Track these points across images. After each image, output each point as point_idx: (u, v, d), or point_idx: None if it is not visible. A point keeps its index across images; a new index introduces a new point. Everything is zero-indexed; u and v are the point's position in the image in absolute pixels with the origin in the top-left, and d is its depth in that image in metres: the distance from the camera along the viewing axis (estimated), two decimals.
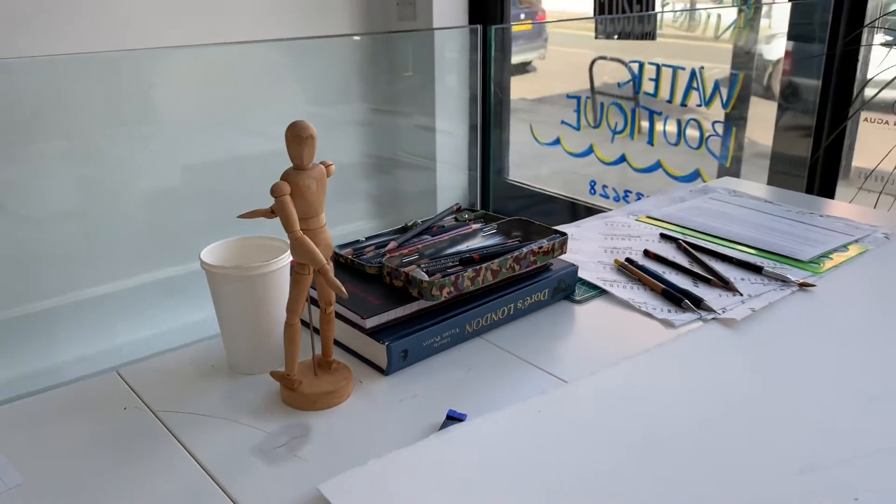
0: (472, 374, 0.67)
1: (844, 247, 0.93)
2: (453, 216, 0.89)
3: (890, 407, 0.61)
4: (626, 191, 2.20)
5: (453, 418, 0.59)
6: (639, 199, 2.19)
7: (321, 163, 0.58)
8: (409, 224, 0.85)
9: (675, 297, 0.79)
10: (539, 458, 0.55)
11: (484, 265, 0.72)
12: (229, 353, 0.68)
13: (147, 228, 1.82)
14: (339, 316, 0.69)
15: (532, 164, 2.48)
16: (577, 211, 2.29)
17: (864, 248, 0.93)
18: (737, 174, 1.91)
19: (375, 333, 0.67)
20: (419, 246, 0.79)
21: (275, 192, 0.54)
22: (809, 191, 1.73)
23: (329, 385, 0.62)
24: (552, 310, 0.79)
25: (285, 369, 0.61)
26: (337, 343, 0.71)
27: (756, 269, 0.86)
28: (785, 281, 0.83)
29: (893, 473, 0.53)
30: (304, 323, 0.64)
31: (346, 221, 2.22)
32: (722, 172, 1.92)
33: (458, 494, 0.51)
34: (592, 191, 2.29)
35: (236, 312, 0.65)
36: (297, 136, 0.54)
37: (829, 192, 1.73)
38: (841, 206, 1.11)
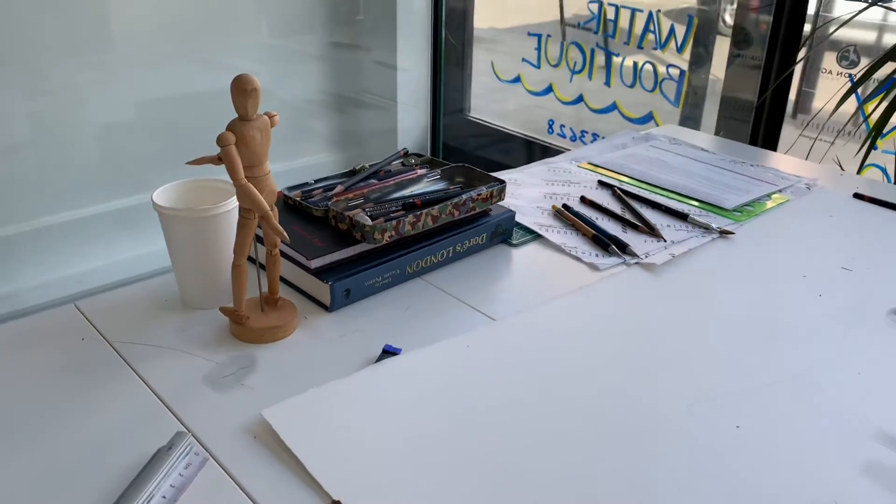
0: (409, 313, 0.72)
1: (768, 196, 1.00)
2: (400, 161, 0.93)
3: (782, 347, 0.68)
4: (582, 131, 2.25)
5: (389, 352, 0.65)
6: (594, 139, 2.24)
7: (265, 113, 0.61)
8: (357, 168, 0.89)
9: (604, 243, 0.85)
10: (465, 390, 0.61)
11: (425, 211, 0.76)
12: (181, 289, 0.72)
13: (103, 160, 1.82)
14: (286, 256, 0.73)
15: (499, 98, 2.49)
16: (534, 150, 2.34)
17: (785, 197, 1.00)
18: (694, 117, 1.96)
19: (320, 273, 0.71)
20: (365, 190, 0.83)
21: (220, 141, 0.58)
22: (755, 135, 1.78)
23: (275, 320, 0.67)
24: (489, 253, 0.84)
25: (233, 305, 0.66)
26: (285, 281, 0.75)
27: (682, 217, 0.92)
28: (707, 228, 0.89)
29: (772, 405, 0.60)
30: (252, 261, 0.68)
31: (306, 155, 2.23)
32: (676, 116, 1.97)
33: (389, 422, 0.57)
34: (550, 130, 2.33)
35: (187, 252, 0.69)
36: (242, 90, 0.58)
37: (774, 138, 1.79)
38: (774, 156, 1.17)
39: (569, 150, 1.18)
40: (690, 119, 2.00)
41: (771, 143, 1.77)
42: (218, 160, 0.60)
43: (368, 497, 0.50)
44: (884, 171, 1.75)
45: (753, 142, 1.78)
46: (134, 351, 0.66)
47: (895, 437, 0.57)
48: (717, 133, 1.88)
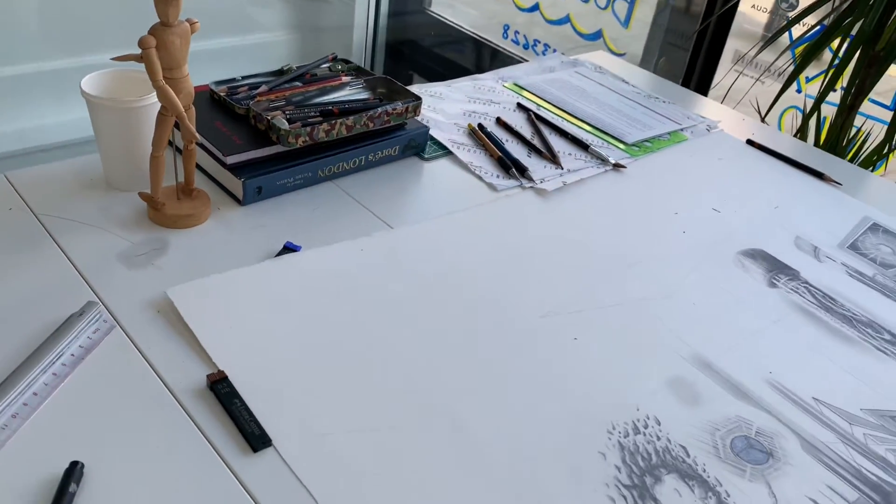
0: (315, 214, 0.80)
1: (668, 134, 1.08)
2: (328, 65, 0.98)
3: (635, 274, 0.78)
4: (535, 40, 2.28)
5: (289, 248, 0.73)
6: (544, 51, 2.27)
7: (187, 20, 0.66)
8: (285, 68, 0.94)
9: (506, 165, 0.93)
10: (354, 288, 0.70)
11: (340, 120, 0.83)
12: (106, 171, 0.78)
13: (44, 18, 1.79)
14: (206, 150, 0.79)
15: None
16: (484, 55, 2.36)
17: (684, 137, 1.08)
18: (639, 41, 2.01)
19: (235, 169, 0.78)
20: (288, 92, 0.89)
21: (141, 44, 0.63)
22: (692, 66, 1.85)
23: (188, 209, 0.74)
24: (401, 164, 0.91)
25: (151, 192, 0.73)
26: (204, 172, 0.82)
27: (584, 147, 1.00)
28: (603, 160, 0.98)
29: (608, 323, 0.71)
30: (179, 150, 0.74)
31: (261, 31, 2.22)
32: (626, 37, 2.01)
33: (280, 311, 0.66)
34: (505, 35, 2.35)
35: (112, 138, 0.74)
36: None
37: (711, 69, 1.86)
38: (689, 95, 1.24)
39: (521, 58, 1.23)
40: (637, 42, 2.05)
41: (708, 75, 1.84)
42: (140, 58, 0.65)
43: (251, 373, 0.59)
44: (801, 110, 1.84)
45: (690, 72, 1.85)
46: (57, 224, 0.72)
47: (704, 360, 0.68)
48: (658, 60, 1.94)
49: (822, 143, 1.52)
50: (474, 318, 0.69)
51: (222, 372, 0.58)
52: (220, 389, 0.56)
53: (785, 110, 1.98)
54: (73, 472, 0.48)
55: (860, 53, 1.34)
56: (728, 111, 1.21)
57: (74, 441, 0.52)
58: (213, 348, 0.60)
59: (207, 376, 0.57)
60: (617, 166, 0.97)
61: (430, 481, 0.53)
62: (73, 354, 0.58)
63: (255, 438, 0.53)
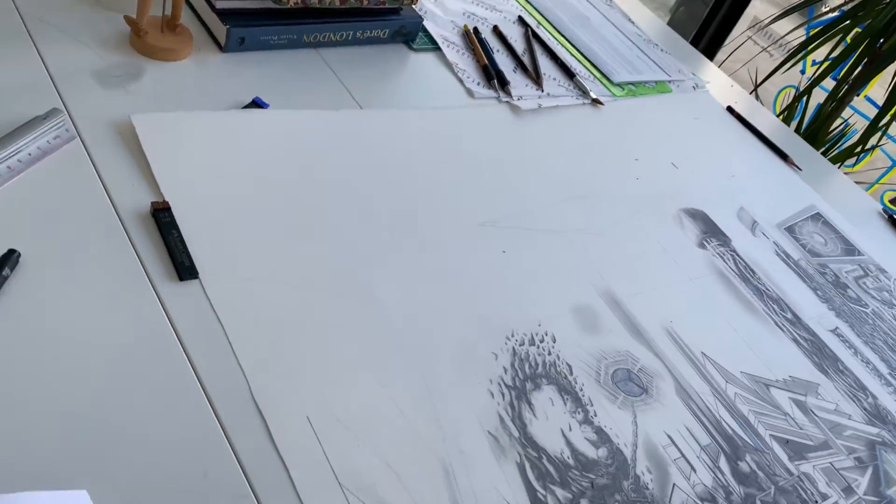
0: (291, 76, 0.82)
1: (654, 82, 1.10)
2: None
3: (577, 205, 0.82)
4: None
5: (257, 104, 0.75)
6: None
7: None
8: None
9: (490, 74, 0.94)
10: (308, 154, 0.73)
11: None
12: None
13: None
14: None
15: None
16: None
17: (669, 89, 1.10)
18: None
19: (223, 15, 0.79)
20: None
21: None
22: (707, 23, 1.84)
23: (170, 43, 0.76)
24: (388, 49, 0.93)
25: (136, 17, 0.74)
26: (192, 9, 0.83)
27: (570, 75, 1.02)
28: (584, 92, 1.00)
29: (536, 243, 0.75)
30: None
31: None
32: None
33: (234, 158, 0.69)
34: None
35: None
36: None
37: (727, 28, 1.85)
38: (688, 50, 1.25)
39: None
40: None
41: (720, 35, 1.84)
42: None
43: (194, 209, 0.63)
44: (796, 88, 1.86)
45: (704, 28, 1.84)
46: (39, 28, 0.73)
47: (614, 297, 0.73)
48: (677, 8, 1.92)
49: (804, 127, 1.54)
50: (414, 210, 0.73)
51: (167, 202, 0.61)
52: (162, 218, 0.60)
53: (783, 88, 1.99)
54: (10, 258, 0.52)
55: (864, 47, 1.35)
56: (721, 75, 1.23)
57: (16, 232, 0.55)
58: (163, 178, 0.64)
59: (152, 203, 0.61)
60: (595, 101, 1.00)
61: (337, 341, 0.58)
62: (29, 154, 0.61)
63: (184, 269, 0.58)
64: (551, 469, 0.57)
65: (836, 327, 0.82)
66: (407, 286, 0.65)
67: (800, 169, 1.05)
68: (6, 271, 0.52)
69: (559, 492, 0.55)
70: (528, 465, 0.56)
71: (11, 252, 0.53)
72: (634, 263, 0.78)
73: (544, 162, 0.86)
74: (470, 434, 0.56)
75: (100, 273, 0.56)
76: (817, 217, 0.98)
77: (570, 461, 0.58)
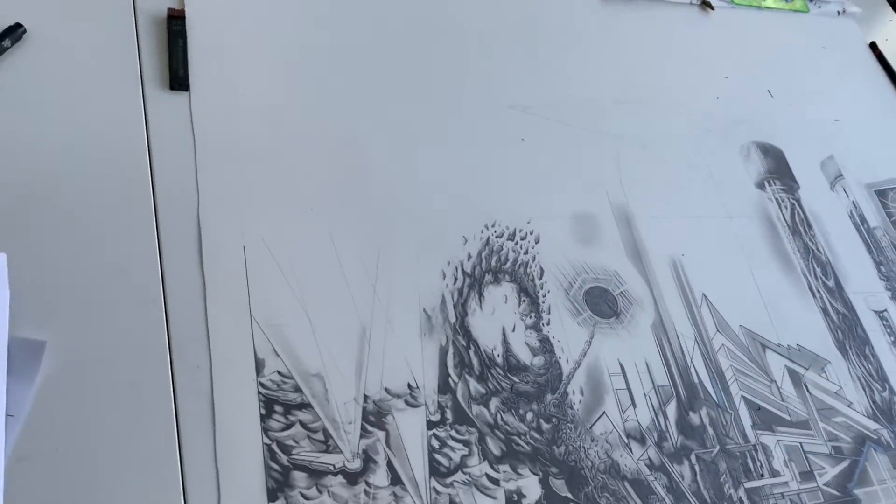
0: None
1: None
2: None
3: (633, 109, 0.75)
4: None
5: None
6: None
7: None
8: None
9: None
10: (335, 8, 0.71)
11: None
12: None
13: None
14: None
15: None
16: None
17: (806, 9, 0.96)
18: None
19: None
20: None
21: None
22: None
23: None
24: None
25: None
26: None
27: None
28: None
29: (565, 139, 0.70)
30: None
31: None
32: None
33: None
34: None
35: None
36: None
37: None
38: None
39: None
40: None
41: None
42: None
43: (210, 20, 0.63)
44: None
45: None
46: None
47: (627, 212, 0.68)
48: None
49: None
50: (441, 72, 0.69)
51: (183, 10, 0.62)
52: (174, 26, 0.61)
53: None
54: (14, 31, 0.55)
55: None
56: (885, 7, 1.05)
57: (30, 9, 0.58)
58: None
59: (168, 9, 0.62)
60: (705, 4, 0.89)
61: (304, 186, 0.58)
62: None
63: (177, 79, 0.59)
64: (475, 361, 0.56)
65: (885, 309, 0.73)
66: (401, 148, 0.63)
67: None
68: (6, 42, 0.55)
69: (473, 384, 0.54)
70: (451, 351, 0.55)
71: (17, 26, 0.56)
72: (669, 185, 0.72)
73: (613, 56, 0.79)
74: (403, 307, 0.56)
75: (97, 65, 0.58)
76: None
77: (499, 360, 0.56)
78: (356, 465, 0.48)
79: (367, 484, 0.48)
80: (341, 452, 0.49)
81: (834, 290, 0.72)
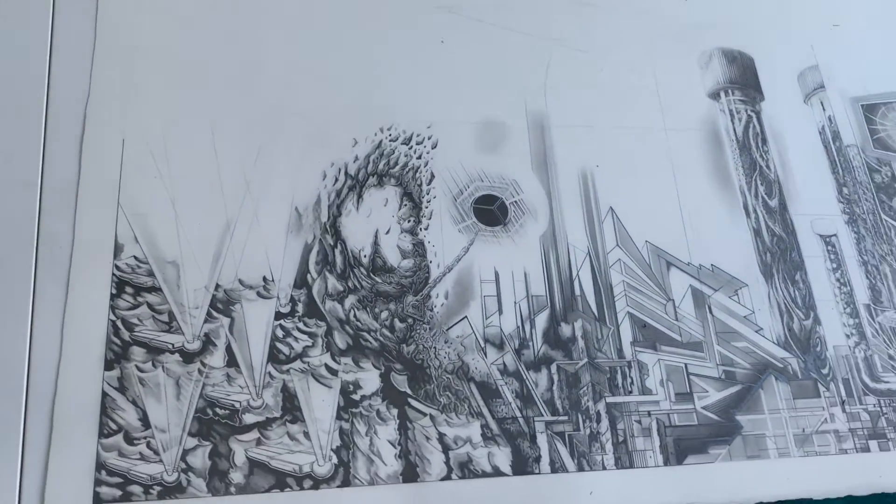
0: None
1: None
2: None
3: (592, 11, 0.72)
4: None
5: None
6: None
7: None
8: None
9: None
10: None
11: None
12: None
13: None
14: None
15: None
16: None
17: None
18: None
19: None
20: None
21: None
22: None
23: None
24: None
25: None
26: None
27: None
28: None
29: (485, 35, 0.68)
30: None
31: None
32: None
33: None
34: None
35: None
36: None
37: None
38: None
39: None
40: None
41: None
42: None
43: None
44: None
45: None
46: None
47: (545, 122, 0.66)
48: None
49: None
50: None
51: None
52: None
53: None
54: None
55: None
56: None
57: None
58: None
59: None
60: None
61: (196, 74, 0.61)
62: None
63: None
64: (339, 260, 0.57)
65: (835, 234, 0.67)
66: (306, 44, 0.64)
67: None
68: None
69: (331, 280, 0.57)
70: (316, 248, 0.57)
71: None
72: (601, 93, 0.69)
73: None
74: (274, 203, 0.58)
75: None
76: None
77: (365, 260, 0.58)
78: (195, 346, 0.52)
79: (203, 364, 0.52)
80: (182, 334, 0.53)
81: (775, 210, 0.67)
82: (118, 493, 0.48)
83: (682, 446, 0.56)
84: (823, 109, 0.73)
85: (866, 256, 0.66)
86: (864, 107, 0.74)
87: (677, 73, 0.71)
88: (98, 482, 0.48)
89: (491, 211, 0.61)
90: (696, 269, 0.63)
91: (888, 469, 0.58)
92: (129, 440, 0.49)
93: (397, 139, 0.62)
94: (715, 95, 0.71)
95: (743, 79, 0.72)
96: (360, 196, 0.60)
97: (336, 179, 0.60)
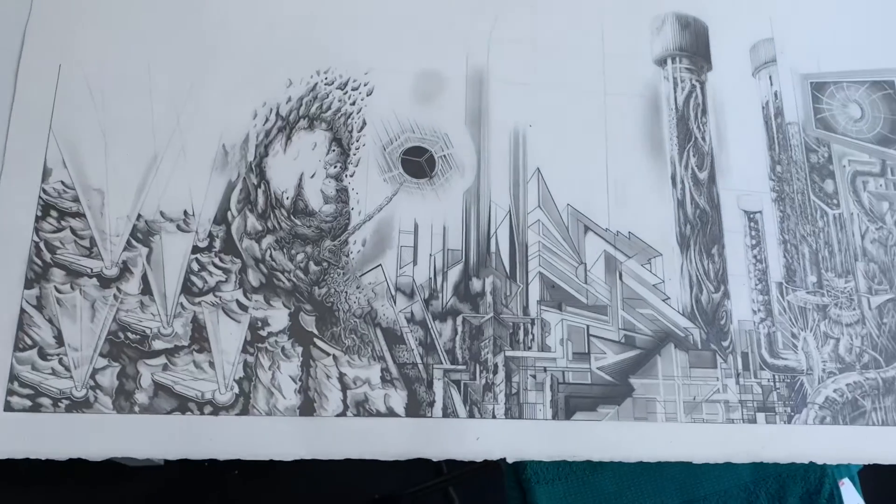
0: None
1: None
2: None
3: None
4: None
5: None
6: None
7: None
8: None
9: None
10: None
11: None
12: None
13: None
14: None
15: None
16: None
17: None
18: None
19: None
20: None
21: None
22: None
23: None
24: None
25: None
26: None
27: None
28: None
29: None
30: None
31: None
32: None
33: None
34: None
35: None
36: None
37: None
38: None
39: None
40: None
41: None
42: None
43: None
44: None
45: None
46: None
47: (484, 76, 0.67)
48: None
49: None
50: None
51: None
52: None
53: None
54: None
55: None
56: None
57: None
58: None
59: None
60: None
61: (135, 10, 0.62)
62: None
63: None
64: (261, 200, 0.59)
65: (759, 211, 0.68)
66: None
67: None
68: None
69: (251, 220, 0.59)
70: (239, 186, 0.59)
71: None
72: (544, 50, 0.69)
73: None
74: (202, 139, 0.60)
75: None
76: (882, 87, 0.76)
77: (286, 202, 0.60)
78: (113, 272, 0.55)
79: (118, 289, 0.55)
80: (102, 260, 0.55)
81: (703, 183, 0.68)
82: (28, 403, 0.52)
83: (573, 403, 0.59)
84: (771, 84, 0.73)
85: (787, 235, 0.68)
86: (814, 84, 0.74)
87: (626, 36, 0.71)
88: (10, 392, 0.52)
89: (419, 163, 0.63)
90: (614, 235, 0.65)
91: (770, 441, 0.61)
92: (43, 356, 0.53)
93: (333, 83, 0.64)
94: (661, 62, 0.71)
95: (693, 47, 0.72)
96: (289, 138, 0.61)
97: (266, 119, 0.61)
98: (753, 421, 0.62)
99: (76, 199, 0.56)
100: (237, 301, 0.56)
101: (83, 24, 0.60)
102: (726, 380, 0.62)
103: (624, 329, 0.62)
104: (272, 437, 0.54)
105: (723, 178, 0.68)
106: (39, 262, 0.54)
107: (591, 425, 0.59)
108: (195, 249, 0.57)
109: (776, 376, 0.63)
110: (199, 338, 0.55)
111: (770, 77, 0.73)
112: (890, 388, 0.65)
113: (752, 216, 0.68)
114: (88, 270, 0.55)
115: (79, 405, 0.52)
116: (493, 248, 0.62)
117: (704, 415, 0.61)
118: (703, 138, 0.69)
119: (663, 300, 0.64)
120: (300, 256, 0.59)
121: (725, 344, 0.63)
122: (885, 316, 0.67)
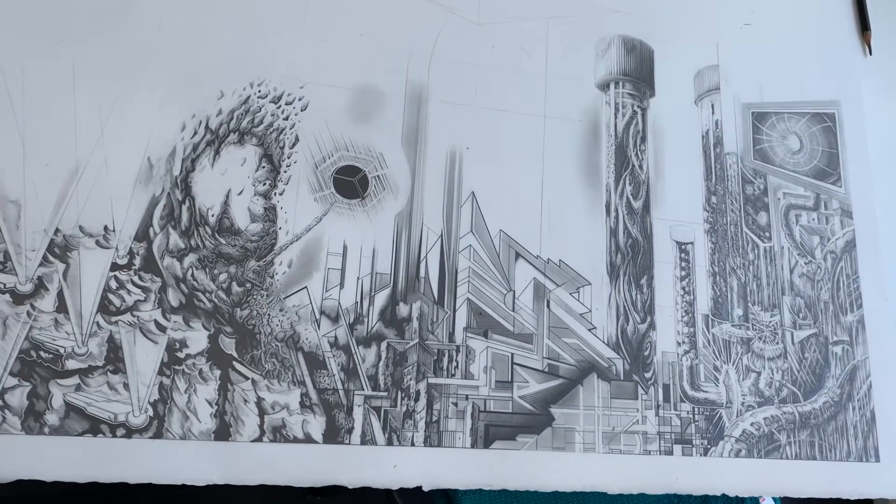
0: None
1: None
2: None
3: None
4: None
5: None
6: None
7: None
8: None
9: None
10: None
11: None
12: None
13: None
14: None
15: None
16: None
17: None
18: None
19: None
20: None
21: None
22: None
23: None
24: None
25: None
26: None
27: None
28: None
29: None
30: None
31: None
32: None
33: None
34: None
35: None
36: None
37: None
38: None
39: None
40: None
41: None
42: None
43: None
44: None
45: None
46: None
47: (424, 95, 0.66)
48: None
49: None
50: None
51: None
52: None
53: None
54: None
55: None
56: None
57: None
58: None
59: None
60: None
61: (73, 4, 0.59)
62: None
63: None
64: (185, 216, 0.58)
65: (691, 242, 0.69)
66: None
67: (870, 53, 0.80)
68: None
69: (174, 237, 0.58)
70: (163, 202, 0.58)
71: None
72: (487, 71, 0.68)
73: None
74: (127, 151, 0.58)
75: None
76: (822, 120, 0.76)
77: (212, 220, 0.59)
78: (27, 288, 0.54)
79: (32, 306, 0.54)
80: (16, 275, 0.54)
81: (637, 212, 0.68)
82: None
83: (492, 432, 0.60)
84: (713, 113, 0.73)
85: (717, 267, 0.69)
86: (755, 114, 0.74)
87: (570, 59, 0.70)
88: None
89: (351, 183, 0.62)
90: (544, 262, 0.65)
91: (685, 473, 0.63)
92: None
93: (266, 96, 0.62)
94: (604, 86, 0.71)
95: (637, 72, 0.72)
96: (217, 152, 0.60)
97: (195, 132, 0.60)
98: (670, 453, 0.63)
99: None
100: (155, 321, 0.56)
101: (5, 30, 0.58)
102: (646, 411, 0.63)
103: (548, 358, 0.63)
104: (185, 462, 0.53)
105: (657, 207, 0.69)
106: None
107: (509, 454, 0.60)
108: (114, 266, 0.56)
109: (696, 409, 0.64)
110: (114, 358, 0.54)
111: (712, 105, 0.73)
112: (806, 422, 0.66)
113: (683, 247, 0.69)
114: (1, 286, 0.54)
115: None
116: (422, 273, 0.62)
117: (622, 446, 0.62)
118: (641, 166, 0.69)
119: (589, 329, 0.64)
120: (223, 276, 0.58)
121: (648, 375, 0.64)
122: (807, 350, 0.68)
